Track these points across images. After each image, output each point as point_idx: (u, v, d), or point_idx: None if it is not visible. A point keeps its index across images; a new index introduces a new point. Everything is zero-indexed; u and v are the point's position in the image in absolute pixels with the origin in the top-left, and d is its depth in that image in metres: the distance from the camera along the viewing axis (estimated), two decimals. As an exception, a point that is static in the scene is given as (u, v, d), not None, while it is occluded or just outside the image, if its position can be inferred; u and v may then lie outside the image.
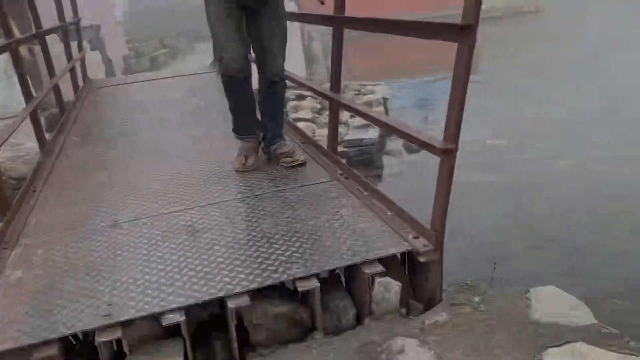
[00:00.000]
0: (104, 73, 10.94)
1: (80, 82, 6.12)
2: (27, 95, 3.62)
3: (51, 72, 4.77)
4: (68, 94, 5.66)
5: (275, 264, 2.00)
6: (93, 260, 2.17)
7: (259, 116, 3.16)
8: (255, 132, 3.10)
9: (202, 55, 14.84)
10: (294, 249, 2.10)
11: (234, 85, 2.87)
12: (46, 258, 2.25)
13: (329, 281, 2.06)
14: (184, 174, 3.10)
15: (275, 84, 2.99)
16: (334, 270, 2.03)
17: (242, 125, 3.08)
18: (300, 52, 11.16)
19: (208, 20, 2.73)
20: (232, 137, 3.79)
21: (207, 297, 1.84)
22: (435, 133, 2.22)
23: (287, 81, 3.12)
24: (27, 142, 5.53)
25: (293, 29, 8.30)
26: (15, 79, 3.61)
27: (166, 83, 6.31)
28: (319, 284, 1.89)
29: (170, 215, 2.54)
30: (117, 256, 2.19)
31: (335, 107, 3.08)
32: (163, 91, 5.84)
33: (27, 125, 3.59)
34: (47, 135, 4.09)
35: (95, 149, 3.80)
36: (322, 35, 15.82)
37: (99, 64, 10.87)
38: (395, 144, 9.27)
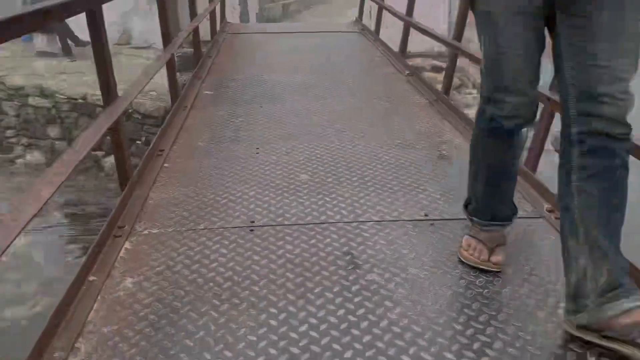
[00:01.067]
0: (239, 16, 10.64)
1: (217, 25, 5.71)
2: (165, 37, 3.18)
3: (193, 11, 4.35)
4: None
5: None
6: (220, 282, 1.63)
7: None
8: (512, 218, 1.77)
9: (336, 8, 14.21)
10: (506, 337, 1.40)
11: (504, 143, 1.61)
12: (165, 260, 1.74)
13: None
14: (337, 166, 2.49)
15: (614, 142, 1.35)
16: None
17: (495, 208, 1.72)
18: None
19: (482, 31, 1.55)
20: (397, 126, 3.13)
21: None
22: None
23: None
24: (155, 78, 5.28)
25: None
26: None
27: (308, 39, 5.73)
28: None
29: (321, 228, 1.94)
30: (253, 284, 1.62)
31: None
32: (305, 48, 5.26)
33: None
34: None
35: (231, 112, 3.30)
36: None
37: (235, 5, 10.57)
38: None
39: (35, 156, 7.06)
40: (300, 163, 2.51)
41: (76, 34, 8.27)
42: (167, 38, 3.17)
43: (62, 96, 6.84)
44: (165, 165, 2.51)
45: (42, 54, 8.54)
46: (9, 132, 7.47)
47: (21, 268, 4.68)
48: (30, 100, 7.09)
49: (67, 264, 4.76)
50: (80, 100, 6.75)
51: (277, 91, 3.71)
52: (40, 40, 8.49)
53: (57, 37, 8.36)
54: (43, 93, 6.99)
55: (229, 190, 2.24)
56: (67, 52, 8.34)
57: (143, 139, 6.52)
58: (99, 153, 6.79)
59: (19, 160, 6.89)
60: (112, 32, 9.29)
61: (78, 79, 7.35)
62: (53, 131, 7.08)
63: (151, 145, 2.68)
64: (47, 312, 1.45)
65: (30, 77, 7.35)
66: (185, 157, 2.60)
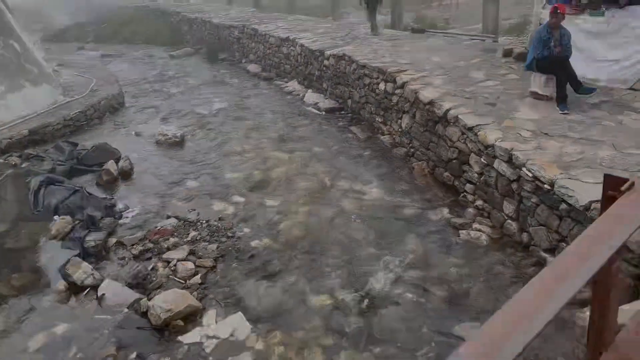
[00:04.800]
0: None
1: None
2: None
3: None
4: None
5: None
6: None
7: None
8: None
9: None
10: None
11: None
12: None
13: None
14: None
15: None
16: None
17: None
18: None
19: None
20: None
21: None
22: None
23: None
24: None
25: None
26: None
27: None
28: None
29: None
30: None
31: None
32: None
33: None
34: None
35: None
36: None
37: None
38: None
39: (483, 229, 6.15)
40: None
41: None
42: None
43: (528, 172, 5.54)
44: None
45: (534, 95, 7.33)
46: (468, 187, 6.81)
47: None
48: (496, 164, 6.10)
49: None
50: (545, 186, 5.28)
51: None
52: (537, 79, 7.28)
53: (555, 79, 6.92)
54: (510, 160, 5.85)
55: None
56: (561, 100, 6.82)
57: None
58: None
59: (462, 233, 6.12)
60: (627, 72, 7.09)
61: (555, 147, 5.83)
62: (507, 208, 5.94)
63: None
64: None
65: (508, 131, 6.32)
66: None
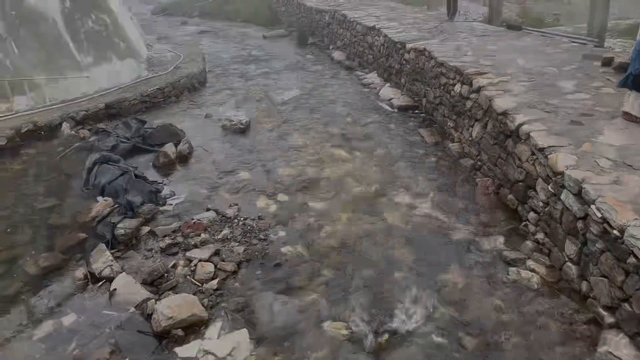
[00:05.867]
0: None
1: None
2: None
3: None
4: None
5: None
6: None
7: None
8: None
9: None
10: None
11: None
12: None
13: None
14: None
15: None
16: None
17: None
18: None
19: None
20: None
21: None
22: None
23: None
24: None
25: None
26: None
27: None
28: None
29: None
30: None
31: None
32: None
33: None
34: None
35: None
36: None
37: None
38: None
39: (537, 269, 5.37)
40: None
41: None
42: None
43: (596, 212, 4.68)
44: None
45: (626, 116, 6.27)
46: (531, 215, 5.98)
47: None
48: (563, 195, 5.26)
49: None
50: (614, 231, 4.42)
51: None
52: (632, 98, 6.21)
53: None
54: (579, 193, 5.00)
55: None
56: (658, 126, 5.74)
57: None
58: None
59: (512, 271, 5.37)
60: None
61: (638, 184, 4.88)
62: (569, 248, 5.10)
63: None
64: None
65: (584, 158, 5.41)
66: None
